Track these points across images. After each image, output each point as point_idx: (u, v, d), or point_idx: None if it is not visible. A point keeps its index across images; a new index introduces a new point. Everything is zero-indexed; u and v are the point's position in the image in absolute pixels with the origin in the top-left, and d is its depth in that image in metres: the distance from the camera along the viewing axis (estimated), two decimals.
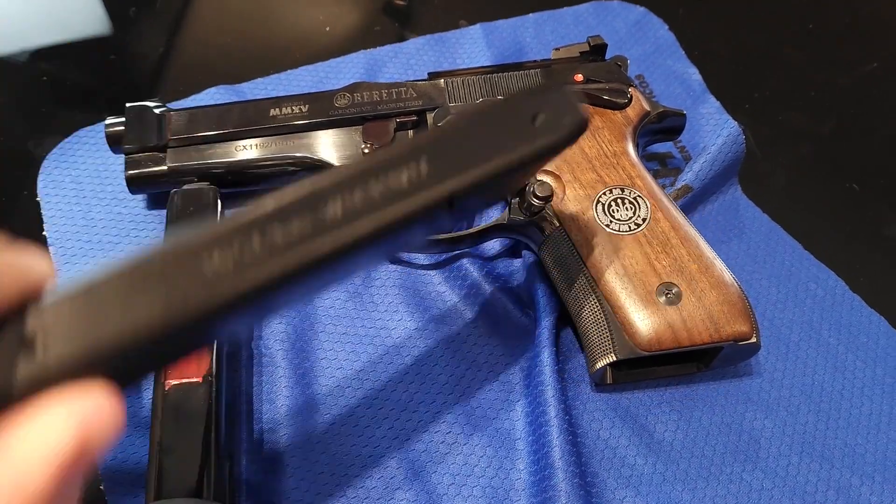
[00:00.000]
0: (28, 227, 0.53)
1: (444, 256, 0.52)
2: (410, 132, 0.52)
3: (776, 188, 0.58)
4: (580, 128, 0.31)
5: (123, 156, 0.51)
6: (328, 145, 0.51)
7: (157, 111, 0.51)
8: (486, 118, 0.30)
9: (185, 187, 0.47)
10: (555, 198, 0.47)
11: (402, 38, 0.65)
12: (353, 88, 0.52)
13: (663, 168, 0.57)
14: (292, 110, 0.52)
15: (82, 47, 0.66)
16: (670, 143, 0.58)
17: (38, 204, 0.54)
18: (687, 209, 0.53)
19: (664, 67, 0.63)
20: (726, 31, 0.69)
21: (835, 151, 0.61)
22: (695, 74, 0.63)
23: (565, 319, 0.49)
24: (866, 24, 0.70)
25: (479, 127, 0.30)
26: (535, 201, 0.47)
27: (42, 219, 0.53)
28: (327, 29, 0.67)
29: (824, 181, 0.59)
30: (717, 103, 0.60)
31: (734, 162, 0.54)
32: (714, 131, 0.56)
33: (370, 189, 0.27)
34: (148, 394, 0.44)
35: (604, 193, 0.47)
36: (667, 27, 0.66)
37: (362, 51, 0.63)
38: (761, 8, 0.71)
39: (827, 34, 0.69)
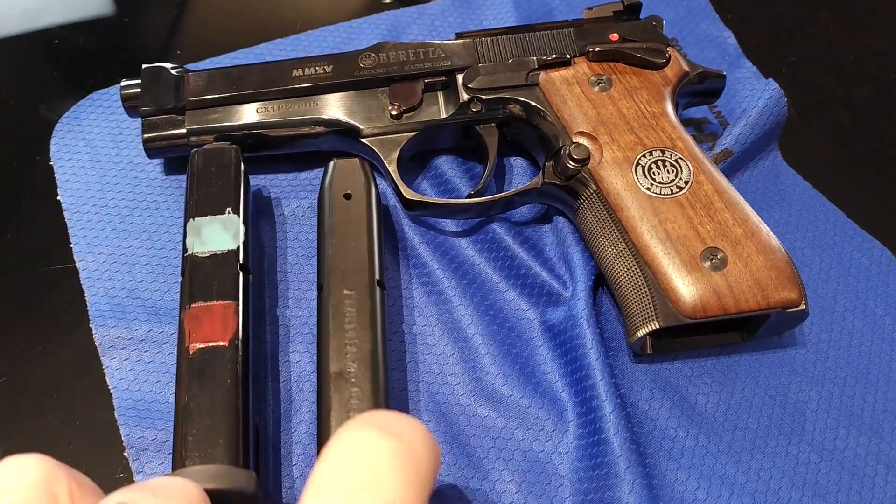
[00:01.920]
0: (42, 192, 0.51)
1: (472, 223, 0.50)
2: (440, 93, 0.49)
3: (814, 154, 0.55)
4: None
5: (140, 119, 0.49)
6: (353, 107, 0.49)
7: (174, 72, 0.49)
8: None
9: (206, 146, 0.45)
10: (591, 160, 0.45)
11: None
12: (378, 48, 0.50)
13: (699, 133, 0.55)
14: (315, 71, 0.49)
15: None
16: (706, 108, 0.55)
17: (52, 168, 0.52)
18: (726, 174, 0.50)
19: (698, 31, 0.61)
20: None
21: (874, 117, 0.58)
22: (730, 38, 0.60)
23: (600, 286, 0.47)
24: None
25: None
26: (571, 164, 0.45)
27: (56, 183, 0.51)
28: None
29: (863, 148, 0.56)
30: (754, 68, 0.58)
31: (776, 126, 0.52)
32: (752, 95, 0.54)
33: None
34: (172, 358, 0.42)
35: (643, 155, 0.44)
36: None
37: (385, 12, 0.60)
38: None
39: None
